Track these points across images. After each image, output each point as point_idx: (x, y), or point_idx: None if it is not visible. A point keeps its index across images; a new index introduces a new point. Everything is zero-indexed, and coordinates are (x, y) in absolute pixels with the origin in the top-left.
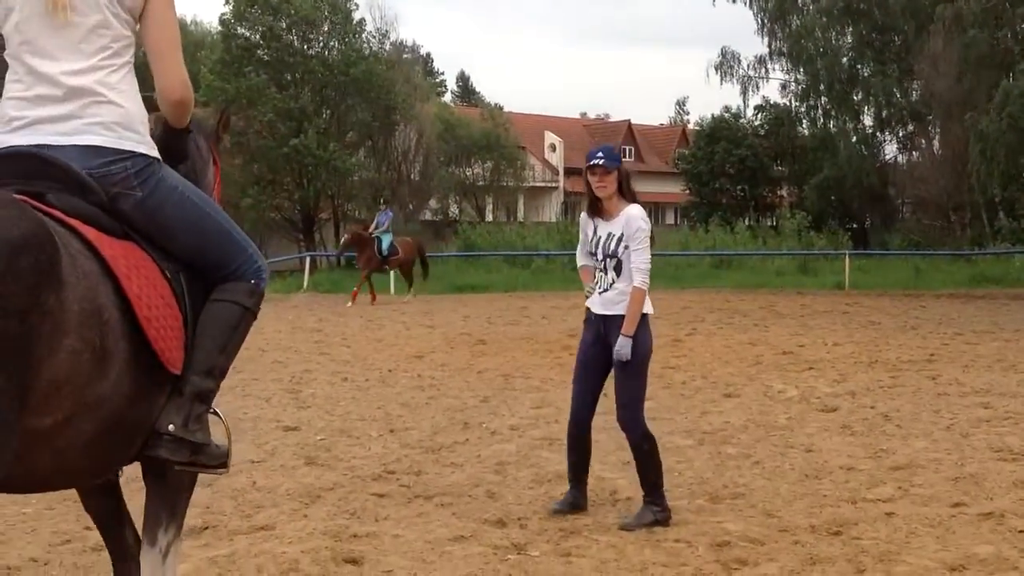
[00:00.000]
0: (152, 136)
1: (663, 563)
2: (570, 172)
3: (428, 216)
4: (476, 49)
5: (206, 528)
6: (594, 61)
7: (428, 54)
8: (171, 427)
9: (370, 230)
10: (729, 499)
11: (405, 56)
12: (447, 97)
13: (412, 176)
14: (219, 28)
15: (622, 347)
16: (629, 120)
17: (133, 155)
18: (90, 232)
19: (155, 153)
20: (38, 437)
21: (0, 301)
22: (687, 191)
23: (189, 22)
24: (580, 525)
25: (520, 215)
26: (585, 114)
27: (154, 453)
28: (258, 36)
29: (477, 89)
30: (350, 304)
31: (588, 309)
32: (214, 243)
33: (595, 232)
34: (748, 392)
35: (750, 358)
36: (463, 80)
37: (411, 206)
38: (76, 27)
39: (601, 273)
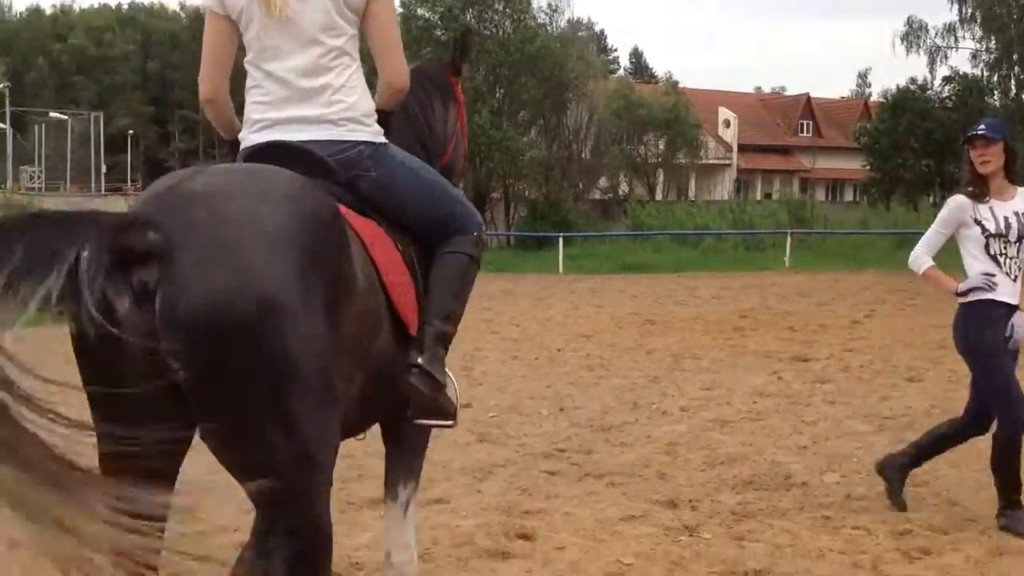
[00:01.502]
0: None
1: (840, 550)
2: (744, 148)
3: (597, 195)
4: (648, 24)
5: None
6: (770, 34)
7: (602, 31)
8: (420, 359)
9: None
10: (911, 487)
11: (580, 33)
12: (619, 74)
13: (583, 154)
14: (400, 10)
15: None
16: (807, 93)
17: (364, 143)
18: (342, 208)
19: (382, 138)
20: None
21: (319, 273)
22: (867, 166)
23: None
24: (754, 509)
25: (691, 193)
26: (760, 88)
27: (405, 382)
28: (437, 17)
29: (649, 64)
30: None
31: (988, 305)
32: (439, 203)
33: (992, 215)
34: (932, 376)
35: (934, 341)
36: (636, 56)
37: (580, 185)
38: (304, 31)
39: (1009, 259)
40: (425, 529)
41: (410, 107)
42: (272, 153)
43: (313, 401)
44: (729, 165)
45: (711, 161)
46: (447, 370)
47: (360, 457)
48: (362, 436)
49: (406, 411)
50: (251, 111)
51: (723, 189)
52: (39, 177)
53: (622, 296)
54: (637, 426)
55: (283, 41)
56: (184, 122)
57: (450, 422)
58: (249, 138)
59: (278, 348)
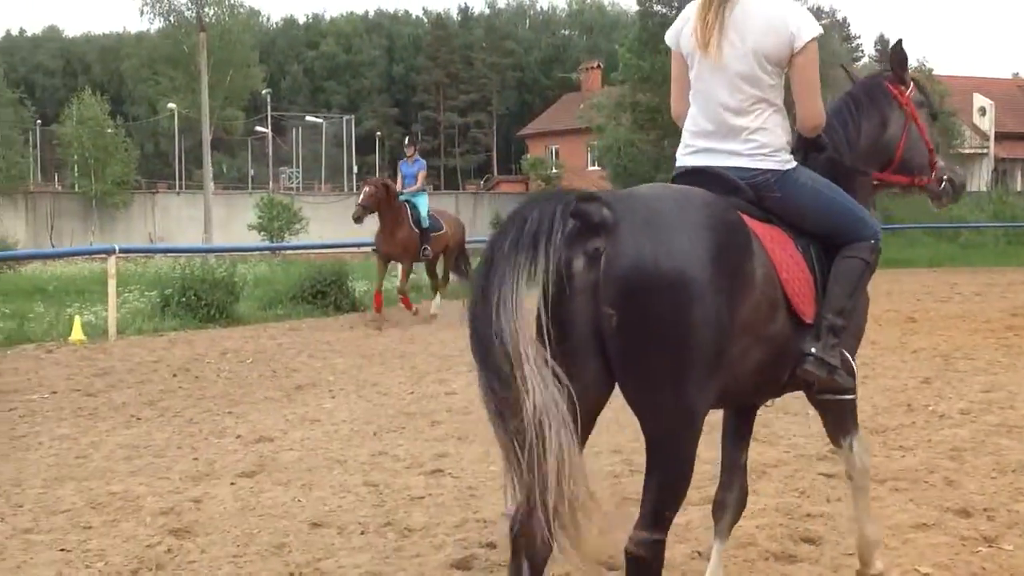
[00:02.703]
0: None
1: None
2: (1002, 137)
3: None
4: (894, 8)
5: None
6: None
7: (844, 19)
8: (813, 349)
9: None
10: None
11: (822, 22)
12: (863, 61)
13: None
14: (636, 7)
15: None
16: None
17: (771, 171)
18: (746, 219)
19: (789, 165)
20: (729, 364)
21: (725, 263)
22: None
23: (607, 2)
24: None
25: None
26: (1018, 74)
27: (802, 368)
28: (673, 12)
29: None
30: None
31: None
32: (838, 218)
33: None
34: None
35: None
36: (882, 43)
37: None
38: (730, 79)
39: None
40: (702, 529)
41: (833, 130)
42: (695, 174)
43: (701, 363)
44: (986, 154)
45: (965, 150)
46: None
47: (630, 453)
48: (770, 404)
49: (799, 384)
50: (685, 135)
51: (980, 180)
52: (297, 177)
53: (876, 292)
54: (915, 429)
55: (714, 84)
56: (426, 123)
57: (850, 396)
58: (681, 159)
59: (683, 311)
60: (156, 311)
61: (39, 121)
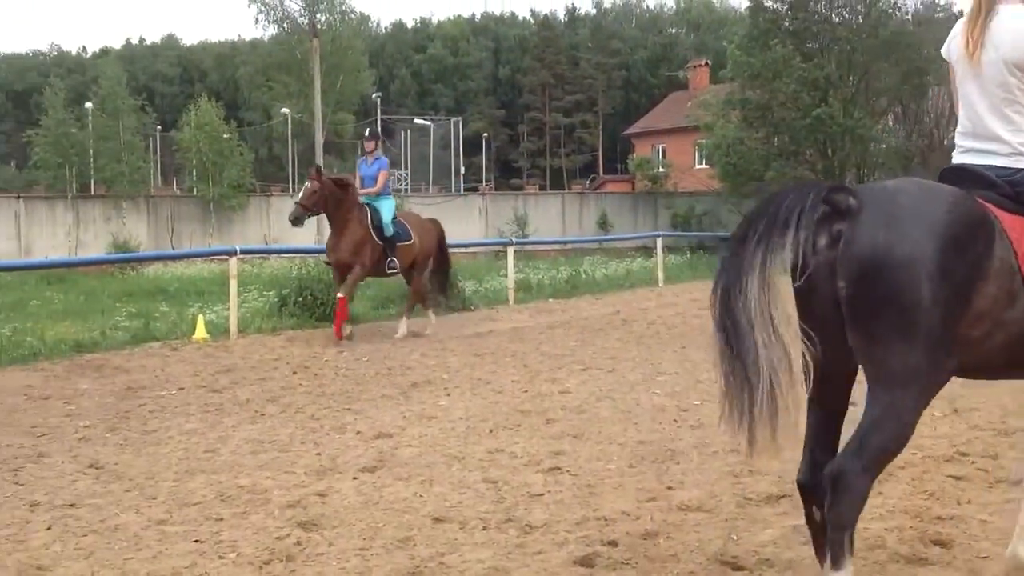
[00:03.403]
0: None
1: None
2: None
3: None
4: None
5: (782, 497)
6: None
7: (961, 11)
8: None
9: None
10: None
11: (938, 14)
12: None
13: (944, 142)
14: (747, 2)
15: None
16: None
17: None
18: (995, 211)
19: None
20: (969, 343)
21: (959, 254)
22: None
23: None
24: None
25: None
26: None
27: None
28: (785, 7)
29: None
30: (342, 342)
31: None
32: None
33: None
34: None
35: None
36: None
37: None
38: (986, 85)
39: None
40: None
41: None
42: (957, 171)
43: (927, 340)
44: None
45: None
46: None
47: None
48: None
49: None
50: (956, 137)
51: None
52: (405, 179)
53: None
54: None
55: (974, 90)
56: (532, 124)
57: None
58: (954, 158)
59: (908, 291)
60: (274, 310)
61: (159, 127)
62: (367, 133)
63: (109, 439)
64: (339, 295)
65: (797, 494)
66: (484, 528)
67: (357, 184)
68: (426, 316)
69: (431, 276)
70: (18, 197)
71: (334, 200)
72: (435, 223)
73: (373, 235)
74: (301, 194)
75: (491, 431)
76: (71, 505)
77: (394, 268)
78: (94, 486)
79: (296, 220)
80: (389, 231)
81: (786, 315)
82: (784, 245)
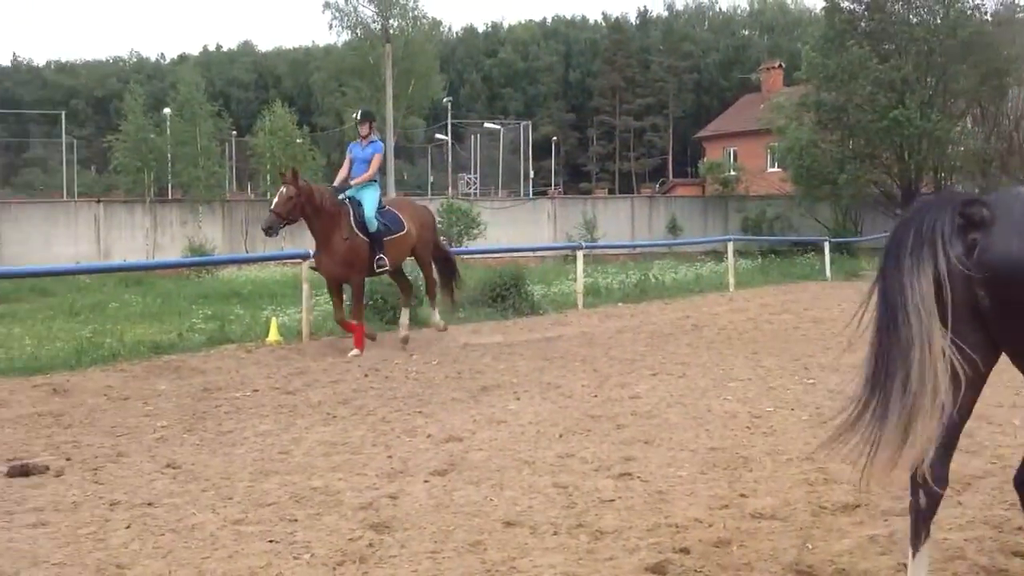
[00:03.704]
0: None
1: None
2: None
3: None
4: None
5: (858, 506)
6: None
7: None
8: None
9: (336, 182)
10: None
11: (1019, 15)
12: None
13: None
14: (823, 3)
15: None
16: None
17: None
18: None
19: None
20: None
21: None
22: None
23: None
24: None
25: None
26: None
27: None
28: (862, 8)
29: None
30: (356, 353)
31: None
32: None
33: None
34: None
35: None
36: None
37: (1022, 177)
38: None
39: None
40: (906, 540)
41: None
42: None
43: None
44: None
45: None
46: None
47: (821, 461)
48: None
49: None
50: None
51: None
52: (475, 183)
53: None
54: None
55: None
56: (601, 127)
57: None
58: None
59: None
60: (345, 314)
61: (234, 132)
62: (359, 115)
63: (186, 439)
64: (353, 322)
65: (873, 503)
66: (555, 533)
67: (346, 168)
68: (435, 313)
69: (436, 260)
70: (98, 201)
71: (312, 206)
72: (426, 209)
73: (362, 237)
74: (276, 200)
75: (561, 436)
76: (149, 504)
77: (383, 266)
78: (171, 486)
79: (269, 229)
80: (373, 226)
81: (940, 327)
82: (930, 255)
